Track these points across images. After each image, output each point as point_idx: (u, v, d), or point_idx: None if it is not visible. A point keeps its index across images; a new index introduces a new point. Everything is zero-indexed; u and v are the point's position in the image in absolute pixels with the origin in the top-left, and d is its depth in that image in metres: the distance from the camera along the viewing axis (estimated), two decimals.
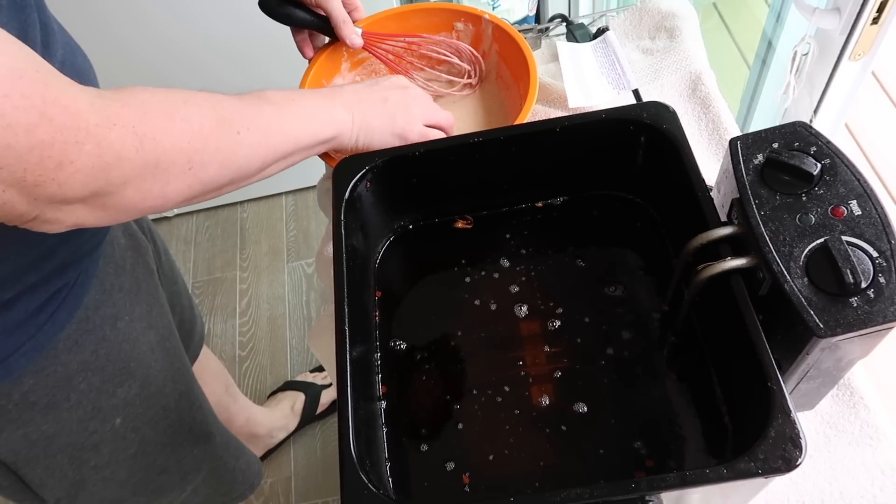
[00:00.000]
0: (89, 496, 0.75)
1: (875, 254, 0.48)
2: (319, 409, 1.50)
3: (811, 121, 1.08)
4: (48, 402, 0.65)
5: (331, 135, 0.66)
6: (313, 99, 0.66)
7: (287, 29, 0.85)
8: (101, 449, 0.72)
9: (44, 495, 0.71)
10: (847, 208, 0.50)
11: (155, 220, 1.86)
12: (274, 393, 1.54)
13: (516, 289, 0.67)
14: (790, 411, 0.46)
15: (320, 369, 1.57)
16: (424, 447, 0.60)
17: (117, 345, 0.69)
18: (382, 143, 0.70)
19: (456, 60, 0.90)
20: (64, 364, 0.65)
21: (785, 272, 0.49)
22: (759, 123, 1.38)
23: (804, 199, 0.51)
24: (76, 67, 0.60)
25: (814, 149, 0.53)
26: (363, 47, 0.86)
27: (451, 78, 0.91)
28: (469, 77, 0.90)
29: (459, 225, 0.72)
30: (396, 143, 0.70)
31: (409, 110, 0.71)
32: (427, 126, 0.73)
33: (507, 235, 0.71)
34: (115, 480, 0.76)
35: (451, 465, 0.59)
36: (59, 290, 0.63)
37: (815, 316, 0.47)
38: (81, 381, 0.67)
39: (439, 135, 0.74)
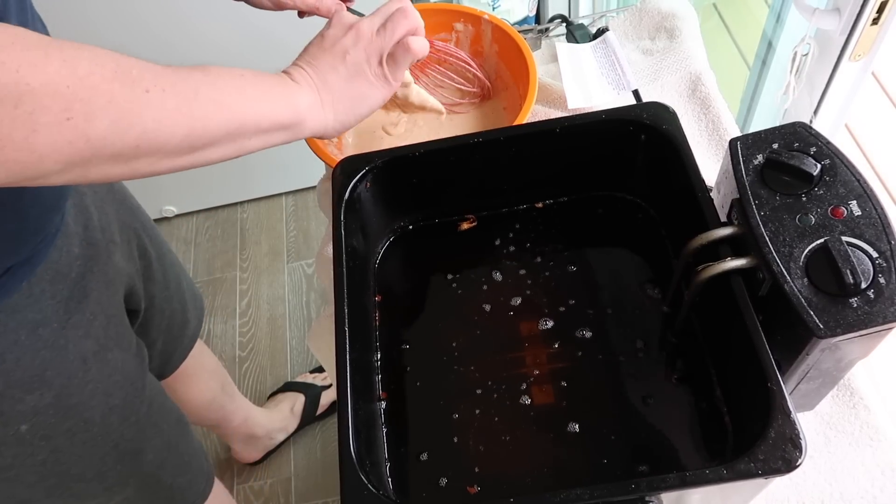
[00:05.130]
0: None
1: (875, 254, 0.48)
2: (319, 411, 1.50)
3: (811, 121, 1.08)
4: None
5: (290, 119, 0.58)
6: (268, 78, 0.58)
7: (282, 30, 0.83)
8: (3, 451, 0.68)
9: None
10: (847, 209, 0.50)
11: (154, 221, 1.85)
12: (274, 394, 1.54)
13: (516, 290, 0.67)
14: (790, 412, 0.46)
15: (320, 370, 1.57)
16: (425, 448, 0.60)
17: (33, 351, 0.66)
18: (358, 101, 0.62)
19: (467, 87, 0.89)
20: None
21: (785, 272, 0.49)
22: (759, 124, 1.38)
23: (804, 199, 0.51)
24: None
25: (814, 149, 0.53)
26: None
27: (460, 89, 0.90)
28: (473, 99, 0.90)
29: (465, 226, 0.72)
30: (374, 93, 0.63)
31: (370, 55, 0.63)
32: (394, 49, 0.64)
33: (507, 236, 0.71)
34: (22, 482, 0.72)
35: (450, 466, 0.59)
36: None
37: (815, 316, 0.47)
38: None
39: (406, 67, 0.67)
